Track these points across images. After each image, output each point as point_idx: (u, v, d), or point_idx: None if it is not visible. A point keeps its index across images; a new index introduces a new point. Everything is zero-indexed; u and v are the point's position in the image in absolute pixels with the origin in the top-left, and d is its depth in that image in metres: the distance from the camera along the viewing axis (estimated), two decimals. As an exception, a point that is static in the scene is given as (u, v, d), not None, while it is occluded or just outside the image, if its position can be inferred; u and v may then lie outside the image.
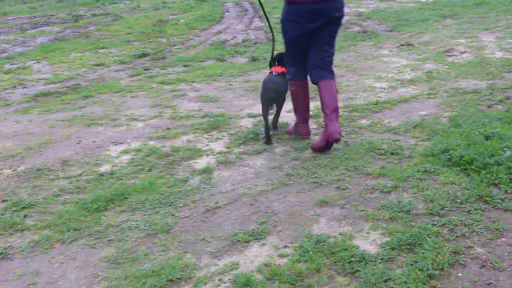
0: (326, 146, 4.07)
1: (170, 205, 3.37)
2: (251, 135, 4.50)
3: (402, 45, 7.73)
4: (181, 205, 3.38)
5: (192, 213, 3.27)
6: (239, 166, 3.95)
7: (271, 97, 4.37)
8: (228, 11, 13.38)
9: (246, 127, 4.74)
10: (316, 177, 3.66)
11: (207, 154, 4.20)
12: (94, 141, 4.64)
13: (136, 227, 3.12)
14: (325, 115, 4.04)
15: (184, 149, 4.30)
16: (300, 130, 4.45)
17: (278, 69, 4.48)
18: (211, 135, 4.61)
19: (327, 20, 4.01)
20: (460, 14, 10.21)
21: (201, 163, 4.04)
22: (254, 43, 8.78)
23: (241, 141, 4.41)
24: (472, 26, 8.86)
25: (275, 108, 4.54)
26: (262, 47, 8.31)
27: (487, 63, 6.40)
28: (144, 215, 3.26)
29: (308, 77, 4.28)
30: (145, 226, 3.12)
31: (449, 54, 7.04)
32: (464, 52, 7.08)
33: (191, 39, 10.15)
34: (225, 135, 4.60)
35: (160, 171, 3.91)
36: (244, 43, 8.87)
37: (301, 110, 4.42)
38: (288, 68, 4.38)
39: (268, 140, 4.34)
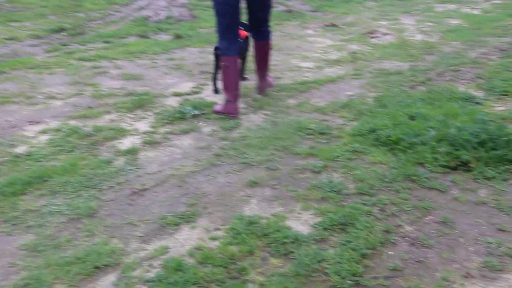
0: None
1: (93, 188, 3.20)
2: (177, 115, 4.36)
3: (327, 25, 7.78)
4: (106, 187, 3.21)
5: (117, 196, 3.12)
6: (165, 147, 3.82)
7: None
8: (149, -13, 12.99)
9: (172, 106, 4.59)
10: (245, 157, 3.60)
11: (131, 134, 4.03)
12: (8, 121, 4.34)
13: (57, 211, 2.93)
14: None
15: (107, 129, 4.10)
16: (229, 109, 4.37)
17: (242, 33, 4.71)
18: (136, 115, 4.43)
19: None
20: (381, -4, 10.42)
21: (125, 143, 3.87)
22: (178, 20, 8.55)
23: (167, 121, 4.27)
24: (393, 9, 9.06)
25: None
26: (186, 25, 8.11)
27: (408, 45, 6.55)
28: (66, 198, 3.08)
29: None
30: (67, 210, 2.94)
31: (372, 35, 7.15)
32: (387, 34, 7.21)
33: (111, 14, 9.77)
34: (150, 115, 4.43)
35: (82, 152, 3.71)
36: (168, 20, 8.62)
37: (232, 88, 4.33)
38: (219, 42, 4.30)
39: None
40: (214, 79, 4.90)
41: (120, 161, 3.57)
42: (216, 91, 4.92)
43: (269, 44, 4.79)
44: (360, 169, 3.37)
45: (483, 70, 5.39)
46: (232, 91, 4.34)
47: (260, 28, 4.66)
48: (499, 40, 6.68)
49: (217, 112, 4.42)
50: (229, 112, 4.36)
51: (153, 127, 4.15)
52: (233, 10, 4.19)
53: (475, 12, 8.64)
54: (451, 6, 9.20)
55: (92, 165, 3.49)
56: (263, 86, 4.87)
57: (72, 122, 4.25)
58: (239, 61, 4.50)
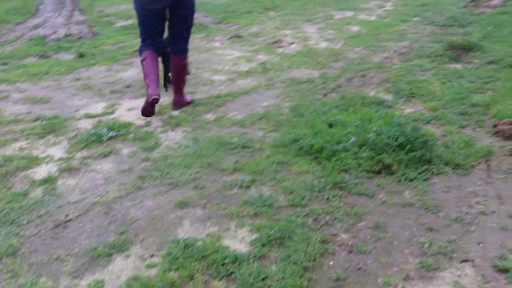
0: (148, 106, 4.39)
1: (11, 224, 2.99)
2: (93, 138, 4.18)
3: (233, 37, 7.80)
4: (25, 222, 3.01)
5: (40, 230, 2.93)
6: (85, 172, 3.65)
7: None
8: (43, 3, 12.45)
9: (86, 129, 4.40)
10: (170, 177, 3.51)
11: (46, 162, 3.81)
12: None
13: (-26, 253, 2.71)
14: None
15: (18, 158, 3.86)
16: (150, 91, 4.35)
17: None
18: (48, 140, 4.20)
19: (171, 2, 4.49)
20: (282, 6, 10.61)
21: (40, 172, 3.65)
22: (79, 38, 8.24)
23: (83, 145, 4.08)
24: (295, 18, 9.25)
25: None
26: (88, 42, 7.82)
27: (314, 53, 6.71)
28: (-18, 238, 2.85)
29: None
30: (-15, 251, 2.72)
31: (278, 45, 7.26)
32: (292, 43, 7.35)
33: (4, 34, 9.24)
34: (63, 139, 4.22)
35: (-6, 185, 3.46)
36: (67, 38, 8.29)
37: (150, 74, 4.51)
38: (140, 45, 4.77)
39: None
40: (164, 78, 5.37)
41: (37, 192, 3.36)
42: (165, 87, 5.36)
43: (183, 58, 4.83)
44: (288, 181, 3.38)
45: (388, 74, 5.62)
46: (150, 76, 4.48)
47: (175, 42, 4.76)
48: (398, 45, 7.00)
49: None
50: (151, 94, 4.33)
51: (68, 152, 3.95)
52: (150, 22, 4.64)
53: (372, 18, 9.01)
54: (349, 14, 9.54)
55: (7, 199, 3.26)
56: (177, 100, 4.89)
57: (-22, 154, 3.96)
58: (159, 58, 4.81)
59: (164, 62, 5.24)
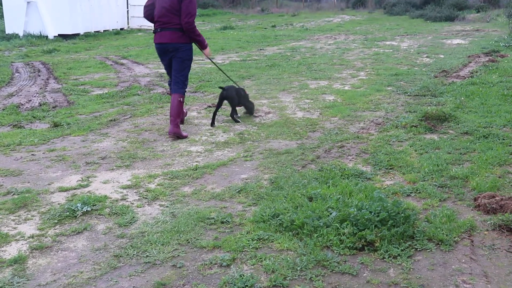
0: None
1: (-23, 310, 2.81)
2: (67, 213, 4.04)
3: (209, 106, 7.81)
4: (-8, 307, 2.84)
5: (7, 317, 2.75)
6: (57, 251, 3.49)
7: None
8: (18, 72, 12.39)
9: (59, 204, 4.26)
10: (147, 255, 3.38)
11: (16, 240, 3.64)
12: None
13: None
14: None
15: (-14, 236, 3.69)
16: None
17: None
18: (18, 216, 4.04)
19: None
20: (257, 75, 10.73)
21: (10, 251, 3.48)
22: (54, 107, 8.16)
23: (55, 221, 3.93)
24: (270, 87, 9.35)
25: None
26: (63, 111, 7.74)
27: (291, 123, 6.73)
28: None
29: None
30: None
31: (255, 114, 7.28)
32: (269, 112, 7.39)
33: (-23, 103, 9.11)
34: (35, 215, 4.07)
35: (-41, 267, 3.28)
36: (42, 107, 8.19)
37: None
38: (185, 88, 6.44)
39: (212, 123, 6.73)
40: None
41: (5, 273, 3.19)
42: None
43: (178, 97, 6.26)
44: (269, 259, 3.29)
45: (366, 145, 5.65)
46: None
47: (173, 83, 6.31)
48: (373, 115, 7.08)
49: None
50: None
51: (40, 229, 3.80)
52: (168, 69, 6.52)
53: (346, 88, 9.16)
54: (324, 83, 9.68)
55: (-27, 282, 3.08)
56: (171, 130, 6.14)
57: None
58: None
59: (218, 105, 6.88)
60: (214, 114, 6.82)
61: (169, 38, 6.18)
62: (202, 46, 6.41)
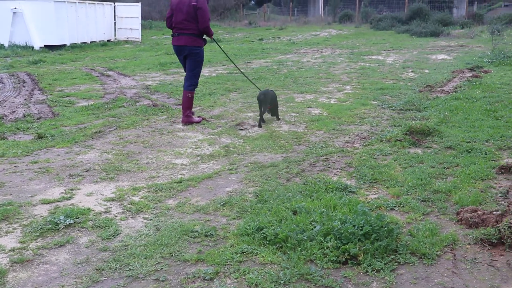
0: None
1: (-44, 324, 2.77)
2: (49, 225, 4.00)
3: (195, 119, 7.82)
4: (-29, 321, 2.80)
5: (-14, 331, 2.72)
6: (39, 264, 3.46)
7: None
8: (2, 82, 12.31)
9: (41, 216, 4.22)
10: (130, 269, 3.36)
11: (-3, 253, 3.61)
12: None
13: None
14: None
15: (-33, 249, 3.65)
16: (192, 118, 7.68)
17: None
18: (0, 229, 4.01)
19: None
20: (243, 88, 10.76)
21: (-10, 264, 3.45)
22: (38, 118, 8.11)
23: (37, 234, 3.90)
24: (255, 100, 9.37)
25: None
26: (47, 123, 7.70)
27: (277, 136, 6.75)
28: None
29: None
30: None
31: (241, 127, 7.30)
32: (255, 125, 7.40)
33: (-39, 113, 9.03)
34: (17, 227, 4.03)
35: None
36: (26, 118, 8.14)
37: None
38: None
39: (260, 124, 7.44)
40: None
41: (-15, 287, 3.15)
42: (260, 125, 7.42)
43: (187, 93, 7.66)
44: (252, 272, 3.28)
45: (351, 159, 5.67)
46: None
47: (185, 80, 7.79)
48: (359, 128, 7.12)
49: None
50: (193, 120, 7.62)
51: (21, 242, 3.76)
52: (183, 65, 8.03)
53: (332, 101, 9.21)
54: (309, 96, 9.73)
55: (-48, 295, 3.04)
56: (183, 120, 7.62)
57: None
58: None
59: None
60: (261, 115, 7.52)
61: (184, 42, 7.57)
62: (210, 35, 7.85)
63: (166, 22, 7.86)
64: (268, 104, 7.53)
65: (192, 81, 7.68)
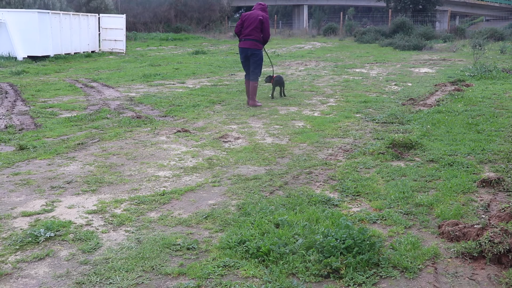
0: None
1: None
2: (29, 238, 3.96)
3: (179, 131, 7.79)
4: None
5: None
6: (17, 278, 3.41)
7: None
8: (-16, 93, 12.23)
9: (21, 229, 4.17)
10: (111, 283, 3.33)
11: (-25, 266, 3.55)
12: None
13: None
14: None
15: None
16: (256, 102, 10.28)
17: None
18: (-21, 242, 3.95)
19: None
20: (227, 100, 10.78)
21: (-32, 278, 3.39)
22: (20, 130, 8.04)
23: (17, 246, 3.85)
24: (240, 112, 9.39)
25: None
26: (30, 134, 7.63)
27: (260, 148, 6.76)
28: None
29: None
30: None
31: (225, 140, 7.29)
32: (238, 138, 7.40)
33: None
34: (-4, 240, 3.98)
35: None
36: (8, 129, 8.06)
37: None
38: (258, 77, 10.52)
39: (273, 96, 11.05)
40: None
41: (-38, 302, 3.10)
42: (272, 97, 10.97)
43: (254, 83, 10.22)
44: (234, 286, 3.27)
45: (334, 171, 5.69)
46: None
47: (251, 75, 10.32)
48: (342, 141, 7.16)
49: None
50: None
51: (0, 255, 3.71)
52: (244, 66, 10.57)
53: (316, 114, 9.25)
54: (293, 109, 9.77)
55: None
56: (250, 103, 10.19)
57: None
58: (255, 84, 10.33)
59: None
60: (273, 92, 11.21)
61: (249, 45, 10.16)
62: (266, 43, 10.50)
63: (235, 29, 10.43)
64: (281, 84, 11.18)
65: (257, 75, 10.26)
